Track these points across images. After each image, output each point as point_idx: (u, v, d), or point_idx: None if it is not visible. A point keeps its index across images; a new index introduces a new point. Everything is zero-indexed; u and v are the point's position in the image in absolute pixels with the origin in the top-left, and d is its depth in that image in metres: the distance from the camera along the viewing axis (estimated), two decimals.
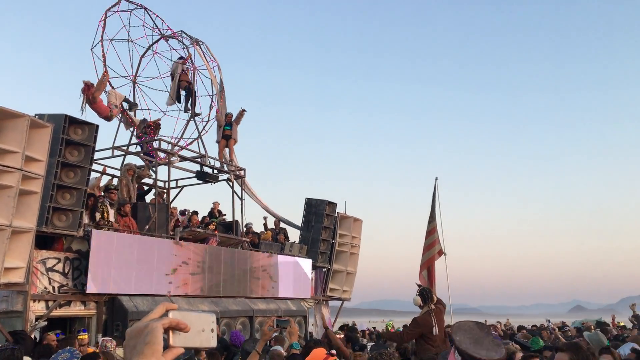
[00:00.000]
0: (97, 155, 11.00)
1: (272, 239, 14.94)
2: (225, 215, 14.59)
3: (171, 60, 15.10)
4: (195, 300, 11.19)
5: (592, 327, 12.28)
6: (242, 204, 14.24)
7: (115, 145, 12.98)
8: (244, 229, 14.24)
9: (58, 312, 9.09)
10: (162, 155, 12.82)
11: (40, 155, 8.13)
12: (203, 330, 1.35)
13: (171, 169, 13.02)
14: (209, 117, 15.15)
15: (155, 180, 12.67)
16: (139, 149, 13.14)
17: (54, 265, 9.12)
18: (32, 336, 8.09)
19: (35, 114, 8.40)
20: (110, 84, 13.24)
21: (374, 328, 19.10)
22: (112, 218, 10.41)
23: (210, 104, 15.27)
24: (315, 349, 4.63)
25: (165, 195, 12.98)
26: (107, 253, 9.56)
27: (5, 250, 7.61)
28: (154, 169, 12.73)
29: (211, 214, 14.34)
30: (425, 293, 7.28)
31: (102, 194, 10.98)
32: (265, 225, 15.73)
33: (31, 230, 8.07)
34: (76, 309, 9.40)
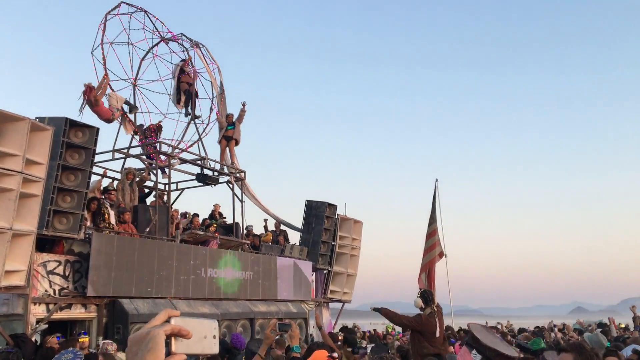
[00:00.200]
0: (97, 158, 11.00)
1: (273, 241, 14.94)
2: (225, 217, 14.60)
3: (171, 63, 15.13)
4: (196, 303, 11.18)
5: (594, 328, 12.29)
6: (242, 206, 14.27)
7: (116, 148, 12.99)
8: (245, 231, 14.25)
9: (59, 315, 9.09)
10: (162, 157, 12.83)
11: (41, 158, 8.14)
12: (205, 336, 1.35)
13: (172, 171, 13.02)
14: (209, 119, 15.16)
15: (156, 182, 12.68)
16: (139, 151, 13.14)
17: (55, 268, 9.12)
18: (33, 339, 8.08)
19: (36, 117, 8.42)
20: (111, 87, 13.25)
21: (374, 330, 19.10)
22: (112, 220, 10.41)
23: (211, 107, 15.29)
24: (317, 351, 4.62)
25: (165, 198, 12.99)
26: (107, 256, 9.56)
27: (6, 253, 7.62)
28: (155, 171, 12.74)
29: (212, 216, 14.35)
30: (427, 295, 7.29)
31: (102, 195, 11.00)
32: (265, 227, 15.74)
33: (32, 233, 8.08)
34: (77, 312, 9.39)
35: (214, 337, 1.37)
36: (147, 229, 11.24)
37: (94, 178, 10.65)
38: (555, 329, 13.06)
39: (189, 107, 14.72)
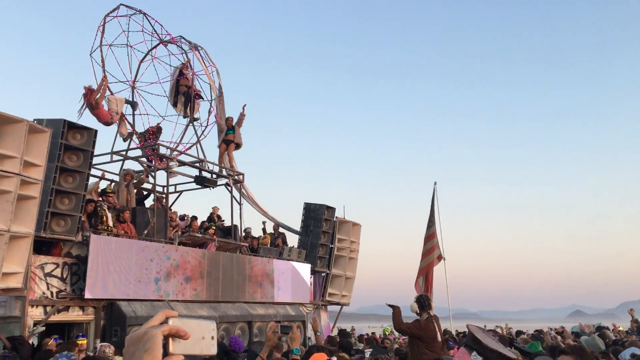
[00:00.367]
0: (96, 160, 10.99)
1: (271, 244, 14.92)
2: (224, 220, 14.58)
3: (170, 66, 15.13)
4: (194, 306, 11.16)
5: (592, 331, 12.28)
6: (240, 209, 14.25)
7: (114, 150, 12.97)
8: (243, 234, 14.24)
9: (56, 318, 9.06)
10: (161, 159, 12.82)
11: (39, 160, 8.13)
12: (203, 337, 1.34)
13: (170, 173, 13.00)
14: (207, 122, 15.15)
15: (154, 185, 12.66)
16: (137, 153, 13.13)
17: (52, 271, 9.09)
18: (30, 342, 8.06)
19: (34, 119, 8.40)
20: (109, 89, 13.24)
21: (373, 333, 19.05)
22: (110, 222, 10.39)
23: (209, 109, 15.28)
24: (316, 354, 4.61)
25: (164, 200, 12.97)
26: (105, 258, 9.53)
27: (4, 255, 7.60)
28: (153, 174, 12.73)
29: (210, 218, 14.33)
30: (423, 300, 7.25)
31: (100, 198, 10.98)
32: (264, 229, 15.73)
33: (29, 236, 8.06)
34: (74, 314, 9.36)
35: (212, 338, 1.35)
36: (145, 232, 11.22)
37: (91, 180, 10.63)
38: (553, 333, 13.04)
39: (188, 109, 14.72)
